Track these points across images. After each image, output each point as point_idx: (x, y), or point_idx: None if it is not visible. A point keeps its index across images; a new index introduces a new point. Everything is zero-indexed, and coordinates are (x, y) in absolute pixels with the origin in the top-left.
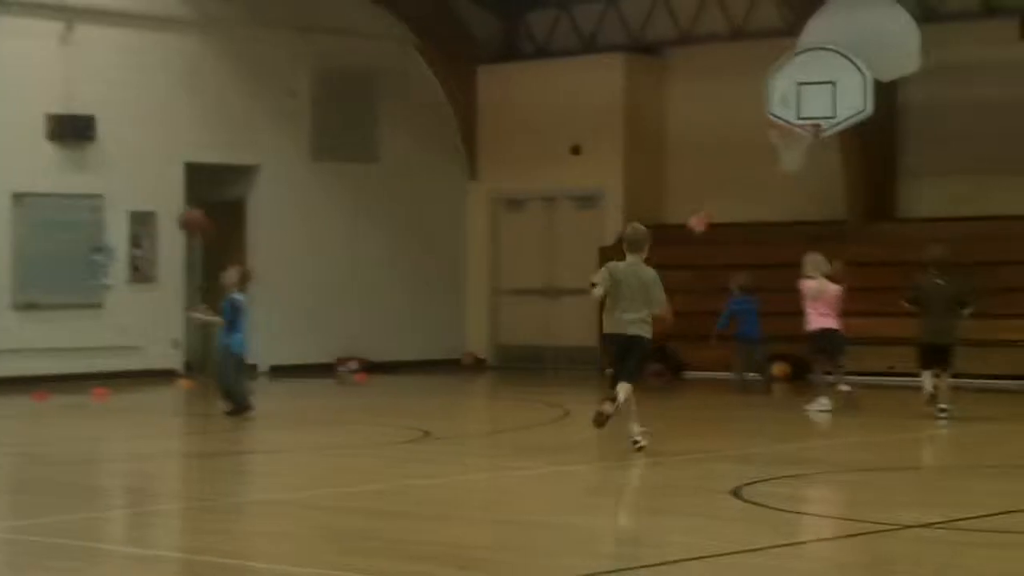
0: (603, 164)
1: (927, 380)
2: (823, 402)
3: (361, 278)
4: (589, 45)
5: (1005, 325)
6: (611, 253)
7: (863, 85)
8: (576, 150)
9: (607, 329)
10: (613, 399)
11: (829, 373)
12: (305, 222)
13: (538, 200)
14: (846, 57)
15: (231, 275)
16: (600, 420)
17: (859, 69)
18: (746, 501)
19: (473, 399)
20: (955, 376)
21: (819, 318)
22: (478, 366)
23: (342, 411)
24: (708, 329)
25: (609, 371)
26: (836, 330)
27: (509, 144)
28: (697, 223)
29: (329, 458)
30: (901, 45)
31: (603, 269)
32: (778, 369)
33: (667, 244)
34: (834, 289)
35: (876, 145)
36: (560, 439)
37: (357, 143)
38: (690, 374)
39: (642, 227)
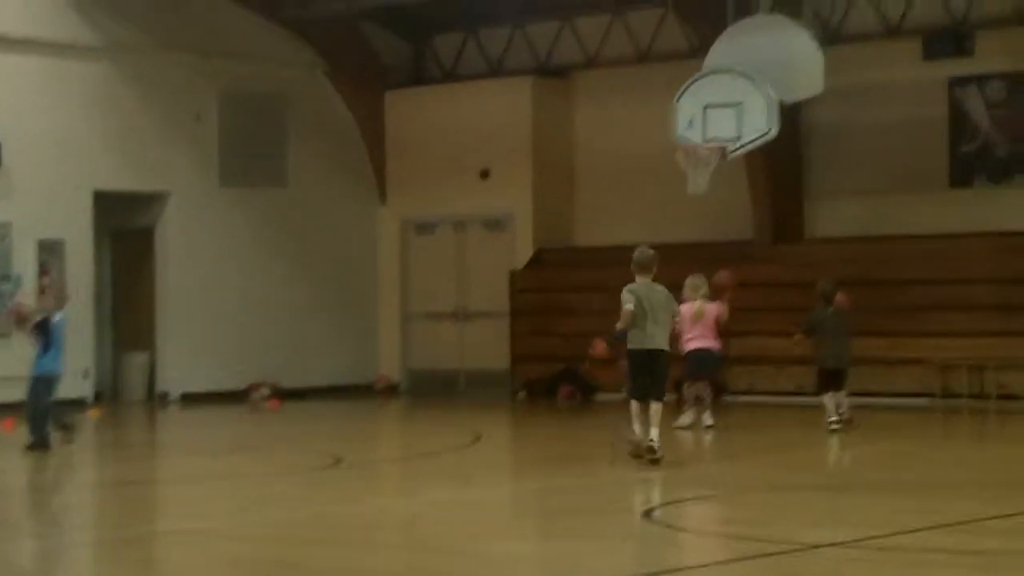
0: (512, 187)
1: (829, 402)
2: (686, 418)
3: (272, 304)
4: (497, 69)
5: (910, 344)
6: (521, 276)
7: (768, 107)
8: (485, 174)
9: (633, 345)
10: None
11: (701, 394)
12: (215, 248)
13: (448, 224)
14: (751, 79)
15: (46, 298)
16: (652, 454)
17: (764, 91)
18: (657, 523)
19: (386, 424)
20: (860, 395)
21: (695, 340)
22: (391, 391)
23: (255, 438)
24: (619, 351)
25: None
26: (711, 350)
27: (418, 168)
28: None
29: (242, 486)
30: (805, 67)
31: (626, 291)
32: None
33: (577, 266)
34: (712, 310)
35: (781, 166)
36: (473, 464)
37: (266, 168)
38: (602, 396)
39: (649, 250)
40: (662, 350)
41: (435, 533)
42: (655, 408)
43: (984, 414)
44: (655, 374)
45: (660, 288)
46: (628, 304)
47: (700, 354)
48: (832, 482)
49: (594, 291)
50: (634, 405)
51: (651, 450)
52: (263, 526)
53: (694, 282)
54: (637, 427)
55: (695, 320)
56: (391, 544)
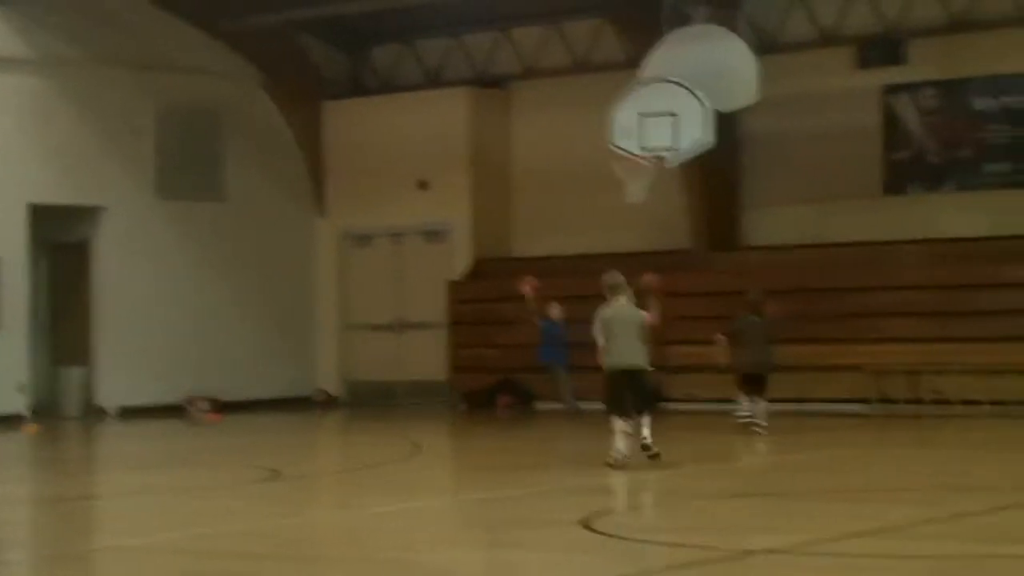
0: (450, 198)
1: (746, 403)
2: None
3: (211, 317)
4: (434, 80)
5: (846, 350)
6: (459, 287)
7: (704, 116)
8: (423, 185)
9: (609, 366)
10: (641, 442)
11: None
12: (152, 262)
13: (386, 235)
14: (687, 89)
15: None
16: (648, 451)
17: (700, 100)
18: (596, 532)
19: (325, 436)
20: (798, 401)
21: None
22: (330, 403)
23: (194, 452)
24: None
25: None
26: None
27: (356, 180)
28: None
29: (181, 500)
30: (741, 76)
31: (596, 321)
32: None
33: (515, 277)
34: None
35: (718, 175)
36: (413, 475)
37: (204, 182)
38: (540, 405)
39: (619, 274)
40: (638, 366)
41: (375, 545)
42: (644, 420)
43: (919, 419)
44: (635, 390)
45: (631, 308)
46: (600, 341)
47: None
48: (769, 489)
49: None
50: (616, 422)
51: (646, 447)
52: (202, 540)
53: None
54: (619, 442)
55: None
56: (331, 557)
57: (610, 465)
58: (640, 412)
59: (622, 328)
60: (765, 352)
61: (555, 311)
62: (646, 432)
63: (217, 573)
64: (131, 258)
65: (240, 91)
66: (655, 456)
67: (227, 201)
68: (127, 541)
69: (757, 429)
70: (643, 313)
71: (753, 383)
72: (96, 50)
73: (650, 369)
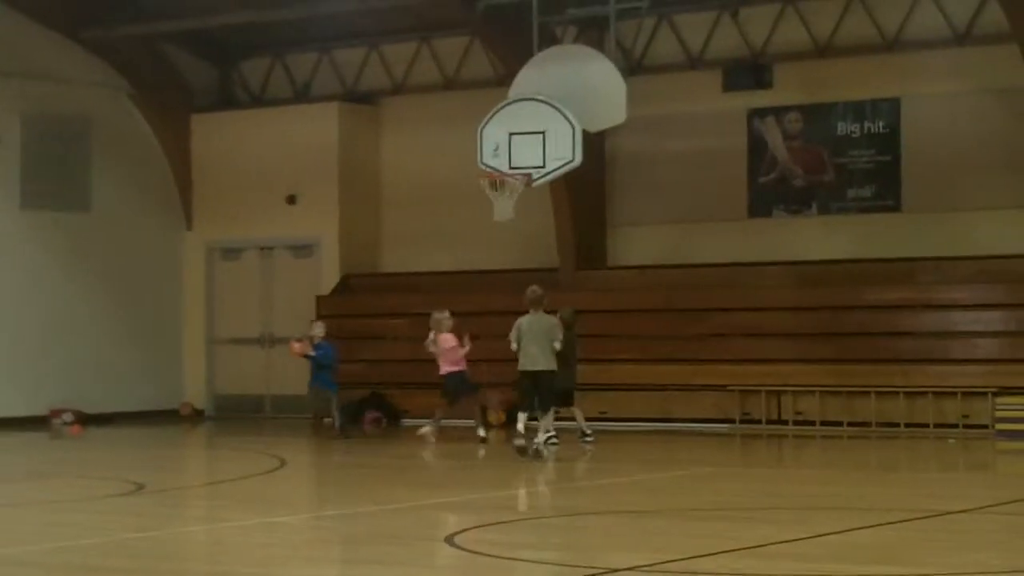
0: (319, 213)
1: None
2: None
3: (75, 328)
4: (303, 94)
5: (710, 370)
6: (327, 302)
7: (572, 135)
8: (292, 199)
9: (520, 367)
10: (523, 436)
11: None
12: (16, 272)
13: (254, 249)
14: (555, 108)
15: None
16: (524, 452)
17: (568, 120)
18: (460, 548)
19: (190, 450)
20: (662, 420)
21: (446, 365)
22: (196, 416)
23: (55, 464)
24: (424, 377)
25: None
26: (457, 373)
27: (225, 193)
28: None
29: (40, 513)
30: (609, 96)
31: (514, 328)
32: (494, 415)
33: (384, 292)
34: (446, 341)
35: (585, 194)
36: (276, 490)
37: (69, 192)
38: (408, 421)
39: (539, 288)
40: (545, 369)
41: (236, 560)
42: (544, 420)
43: (782, 439)
44: (539, 390)
45: (546, 317)
46: (513, 346)
47: (452, 376)
48: (632, 507)
49: (400, 317)
50: (520, 416)
51: (533, 451)
52: (61, 554)
53: (435, 318)
54: (518, 435)
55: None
56: (193, 572)
57: (519, 450)
58: (543, 409)
59: (532, 336)
60: (573, 367)
61: (318, 329)
62: (541, 437)
63: None
64: None
65: (107, 101)
66: (538, 454)
67: (93, 212)
68: None
69: (587, 441)
70: (555, 322)
71: (563, 399)
72: None
73: (555, 372)
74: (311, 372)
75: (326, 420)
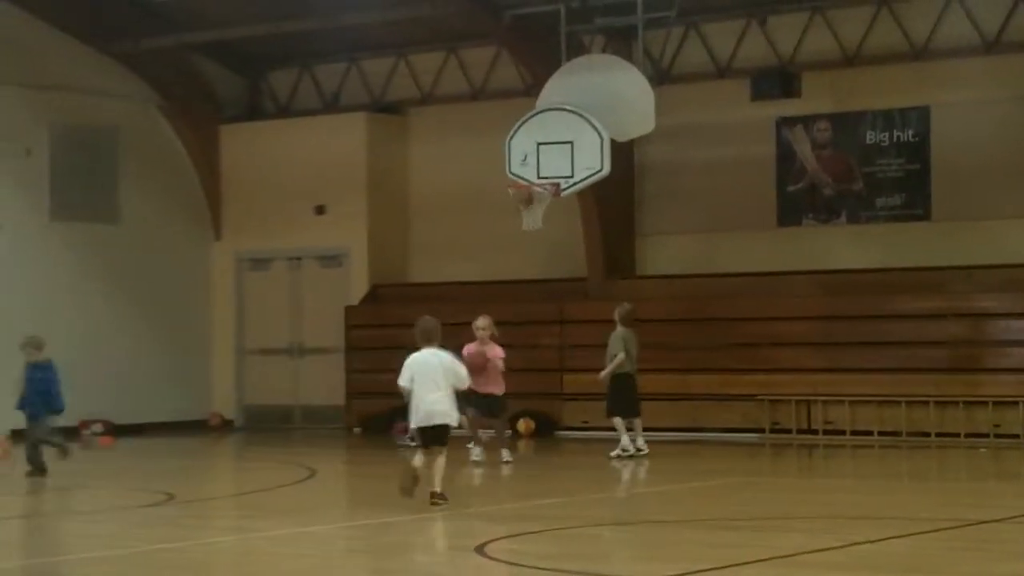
0: (347, 223)
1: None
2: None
3: (105, 339)
4: (332, 104)
5: (739, 380)
6: (356, 312)
7: (600, 145)
8: (320, 210)
9: (414, 423)
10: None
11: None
12: (46, 283)
13: (283, 260)
14: (583, 117)
15: None
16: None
17: (596, 129)
18: (490, 558)
19: (219, 460)
20: (692, 430)
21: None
22: (225, 427)
23: (86, 475)
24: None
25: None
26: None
27: (253, 204)
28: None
29: (71, 523)
30: (637, 106)
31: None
32: (523, 425)
33: (412, 302)
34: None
35: (614, 204)
36: (307, 500)
37: (98, 203)
38: None
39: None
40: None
41: (268, 571)
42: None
43: (812, 449)
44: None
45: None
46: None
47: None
48: (660, 516)
49: None
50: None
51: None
52: (92, 564)
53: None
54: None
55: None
56: None
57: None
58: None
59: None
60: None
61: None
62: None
63: None
64: (24, 279)
65: (136, 113)
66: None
67: (122, 223)
68: (9, 564)
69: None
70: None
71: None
72: None
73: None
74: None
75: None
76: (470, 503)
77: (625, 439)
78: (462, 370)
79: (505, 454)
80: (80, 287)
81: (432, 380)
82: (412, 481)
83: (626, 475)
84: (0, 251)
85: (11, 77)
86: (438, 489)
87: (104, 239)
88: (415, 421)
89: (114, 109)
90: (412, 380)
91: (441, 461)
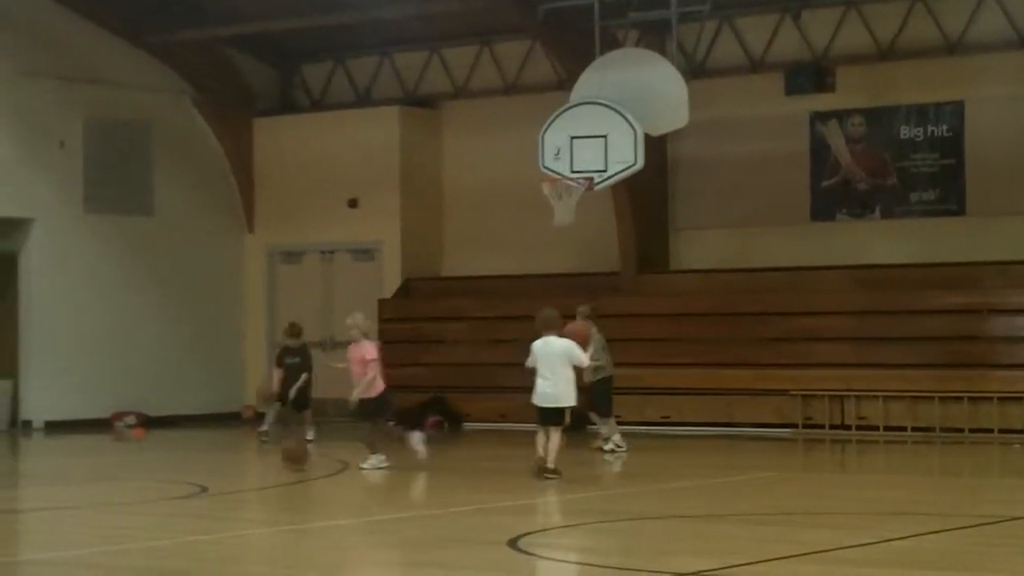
0: (380, 217)
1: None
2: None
3: (138, 332)
4: (365, 98)
5: (772, 375)
6: (389, 306)
7: (634, 139)
8: (353, 203)
9: (534, 401)
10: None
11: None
12: (79, 275)
13: (315, 253)
14: (617, 111)
15: None
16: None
17: (630, 123)
18: (523, 552)
19: (251, 453)
20: (724, 425)
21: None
22: (258, 419)
23: (118, 467)
24: (486, 381)
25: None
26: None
27: (286, 197)
28: None
29: (104, 515)
30: (670, 100)
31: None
32: None
33: (445, 296)
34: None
35: (647, 198)
36: (338, 493)
37: (132, 196)
38: (469, 425)
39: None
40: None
41: (301, 563)
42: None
43: (844, 444)
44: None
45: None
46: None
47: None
48: (697, 511)
49: (461, 321)
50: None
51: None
52: (126, 556)
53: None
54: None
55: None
56: (254, 574)
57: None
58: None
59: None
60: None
61: None
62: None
63: None
64: (59, 271)
65: (170, 105)
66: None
67: (155, 216)
68: (48, 555)
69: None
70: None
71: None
72: (23, 62)
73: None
74: None
75: None
76: (500, 498)
77: (618, 435)
78: (577, 353)
79: (373, 461)
80: (113, 279)
81: (547, 365)
82: (538, 463)
83: (659, 468)
84: (35, 242)
85: (46, 70)
86: (551, 465)
87: (138, 232)
88: (534, 400)
89: (148, 102)
90: (534, 363)
91: (555, 439)
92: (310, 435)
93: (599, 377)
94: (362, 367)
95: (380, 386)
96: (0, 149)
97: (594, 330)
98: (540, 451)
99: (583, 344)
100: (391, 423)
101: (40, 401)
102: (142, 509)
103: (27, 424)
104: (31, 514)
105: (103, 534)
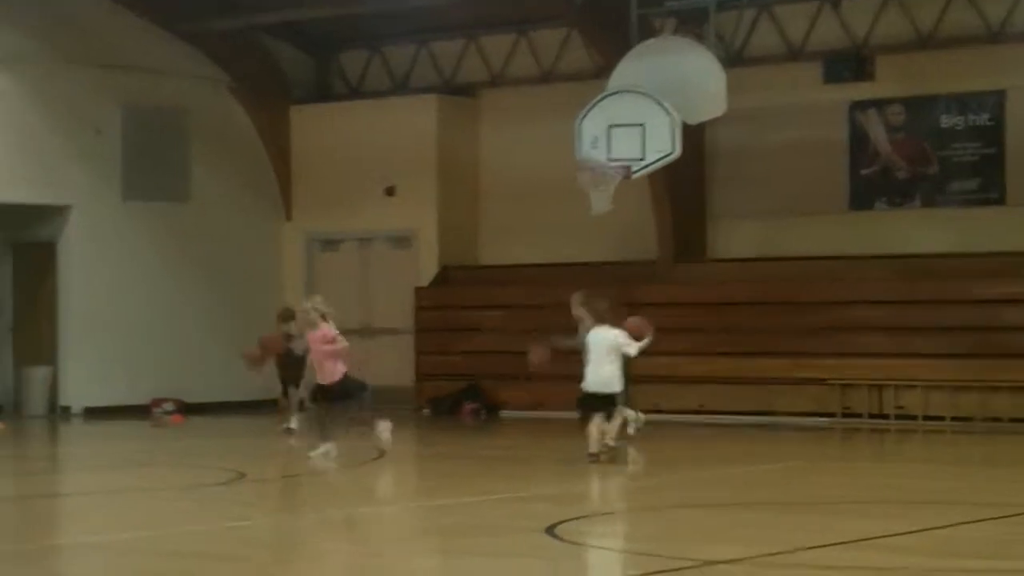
0: (417, 205)
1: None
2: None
3: (176, 318)
4: (402, 86)
5: (810, 364)
6: (426, 293)
7: (671, 127)
8: (390, 191)
9: (583, 387)
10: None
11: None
12: (117, 262)
13: (353, 240)
14: (654, 100)
15: None
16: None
17: (667, 111)
18: (560, 539)
19: (288, 439)
20: (762, 414)
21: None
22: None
23: (157, 453)
24: (521, 368)
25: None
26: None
27: (323, 184)
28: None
29: (144, 501)
30: (708, 88)
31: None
32: None
33: (482, 284)
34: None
35: (684, 187)
36: (375, 480)
37: (169, 183)
38: (505, 413)
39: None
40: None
41: (336, 549)
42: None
43: (883, 434)
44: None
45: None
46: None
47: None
48: (733, 500)
49: (498, 309)
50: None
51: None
52: (163, 541)
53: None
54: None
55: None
56: (291, 560)
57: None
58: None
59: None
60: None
61: None
62: (609, 439)
63: (171, 573)
64: (97, 258)
65: (207, 93)
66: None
67: (193, 203)
68: (86, 539)
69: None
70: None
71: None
72: (60, 49)
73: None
74: None
75: None
76: (537, 486)
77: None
78: (624, 342)
79: (323, 449)
80: (151, 266)
81: (598, 353)
82: (592, 456)
83: (697, 457)
84: (73, 230)
85: (84, 58)
86: (610, 442)
87: (175, 219)
88: (583, 386)
89: (185, 89)
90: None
91: (603, 425)
92: (293, 424)
93: None
94: (322, 352)
95: (340, 372)
96: (39, 137)
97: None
98: (593, 446)
99: (639, 338)
100: (355, 409)
101: (79, 387)
102: (180, 495)
103: (66, 410)
104: (71, 499)
105: (143, 519)
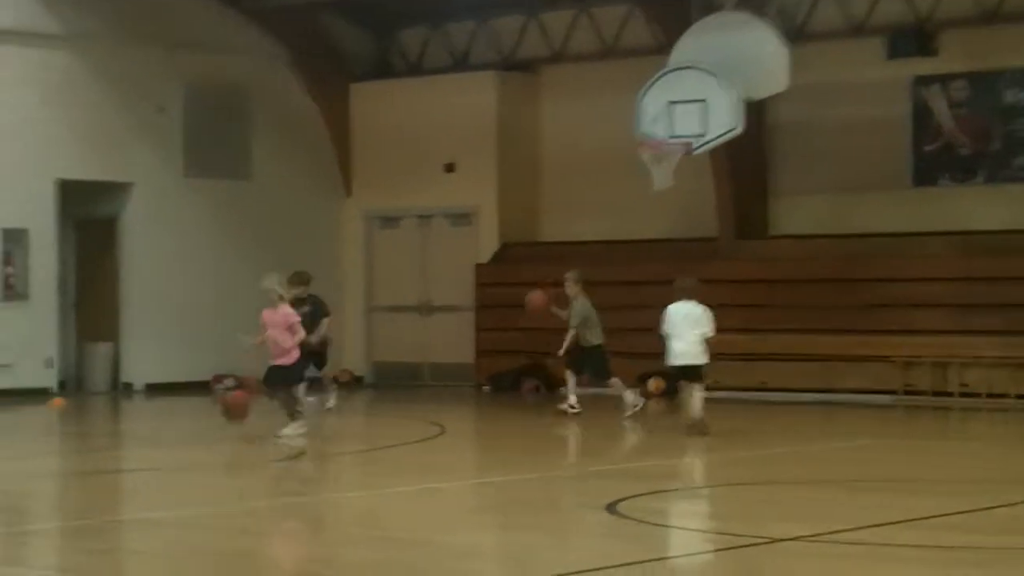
0: (477, 182)
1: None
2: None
3: (237, 295)
4: (461, 63)
5: (873, 341)
6: (486, 270)
7: (733, 103)
8: (450, 168)
9: (668, 362)
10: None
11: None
12: (179, 239)
13: (413, 217)
14: (716, 76)
15: None
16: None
17: (729, 88)
18: (621, 516)
19: (349, 416)
20: (824, 391)
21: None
22: (355, 383)
23: (218, 429)
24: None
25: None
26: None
27: (383, 161)
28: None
29: (206, 476)
30: (770, 64)
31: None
32: (653, 385)
33: (542, 261)
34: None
35: (746, 163)
36: (435, 457)
37: (230, 160)
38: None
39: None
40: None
41: (397, 525)
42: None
43: (946, 411)
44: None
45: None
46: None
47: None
48: (796, 477)
49: (559, 286)
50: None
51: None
52: (225, 516)
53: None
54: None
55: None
56: (352, 536)
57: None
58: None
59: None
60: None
61: None
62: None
63: (235, 549)
64: (158, 235)
65: (267, 70)
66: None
67: (253, 180)
68: (149, 515)
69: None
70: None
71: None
72: (123, 27)
73: None
74: None
75: None
76: (597, 462)
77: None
78: (707, 317)
79: (291, 429)
80: (213, 243)
81: (683, 327)
82: (695, 424)
83: (759, 435)
84: (135, 207)
85: (146, 36)
86: (699, 416)
87: (236, 196)
88: (669, 361)
89: (246, 67)
90: (668, 327)
91: (696, 395)
92: (331, 402)
93: (592, 344)
94: (283, 332)
95: (296, 353)
96: (102, 115)
97: (582, 298)
98: (692, 412)
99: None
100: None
101: (140, 364)
102: (239, 471)
103: (128, 386)
104: (134, 474)
105: (206, 495)
